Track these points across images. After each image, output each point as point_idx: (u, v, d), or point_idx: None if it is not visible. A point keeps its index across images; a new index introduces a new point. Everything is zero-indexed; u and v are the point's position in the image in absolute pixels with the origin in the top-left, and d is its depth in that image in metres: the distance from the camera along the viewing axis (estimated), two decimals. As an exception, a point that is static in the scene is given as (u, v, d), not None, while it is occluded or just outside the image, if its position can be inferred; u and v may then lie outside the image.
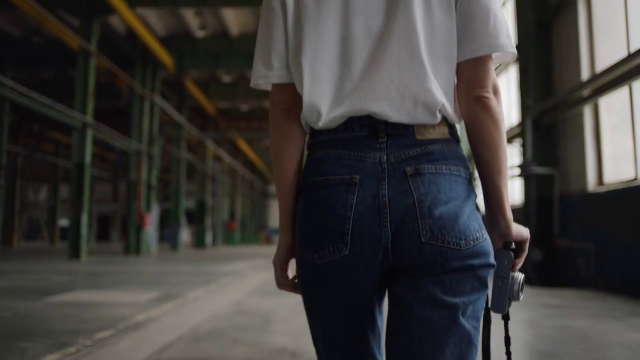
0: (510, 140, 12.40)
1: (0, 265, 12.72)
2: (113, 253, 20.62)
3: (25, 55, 21.68)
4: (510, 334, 1.22)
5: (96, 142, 19.10)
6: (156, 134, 21.11)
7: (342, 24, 1.15)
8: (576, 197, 9.24)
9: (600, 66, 8.97)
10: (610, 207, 8.17)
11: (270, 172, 48.90)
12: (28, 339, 4.17)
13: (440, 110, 1.12)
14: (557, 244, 9.65)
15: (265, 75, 1.22)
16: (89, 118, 15.72)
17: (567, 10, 9.79)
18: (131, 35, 19.46)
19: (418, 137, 1.11)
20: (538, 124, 10.24)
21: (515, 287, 1.13)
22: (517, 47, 11.00)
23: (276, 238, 51.06)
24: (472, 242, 1.07)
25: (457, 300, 1.07)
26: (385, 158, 1.10)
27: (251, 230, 47.26)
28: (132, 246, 19.47)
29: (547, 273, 9.68)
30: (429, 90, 1.10)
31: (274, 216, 56.62)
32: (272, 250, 28.31)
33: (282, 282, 1.33)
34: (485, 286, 1.11)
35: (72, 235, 15.39)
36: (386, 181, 1.09)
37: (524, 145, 10.45)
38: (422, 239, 1.06)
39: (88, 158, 15.81)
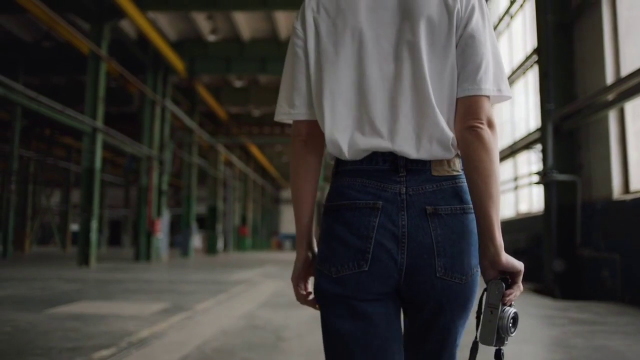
0: (528, 146, 12.07)
1: (8, 272, 12.54)
2: (123, 259, 20.42)
3: (37, 60, 21.61)
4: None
5: (107, 146, 18.94)
6: (167, 139, 20.93)
7: (358, 70, 1.29)
8: (600, 205, 8.87)
9: (626, 69, 8.61)
10: (638, 216, 7.79)
11: (282, 177, 48.84)
12: (22, 359, 3.90)
13: (452, 144, 1.26)
14: (579, 254, 9.27)
15: (288, 112, 1.37)
16: (99, 123, 15.54)
17: (589, 10, 9.44)
18: (142, 39, 19.32)
19: (434, 173, 1.26)
20: (559, 129, 9.88)
21: (505, 321, 1.14)
22: (537, 50, 10.69)
23: (287, 243, 51.08)
24: (469, 277, 1.25)
25: (451, 325, 1.27)
26: (404, 190, 1.24)
27: (263, 235, 47.01)
28: (143, 252, 19.26)
29: (569, 284, 9.30)
30: (440, 128, 1.24)
31: (286, 222, 56.36)
32: (283, 256, 28.05)
33: (302, 298, 1.44)
34: (470, 296, 1.27)
35: (81, 242, 15.19)
36: (405, 212, 1.23)
37: (544, 151, 10.10)
38: (437, 274, 1.23)
39: (98, 163, 15.63)
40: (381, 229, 1.22)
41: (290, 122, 1.39)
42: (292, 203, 1.40)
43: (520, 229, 12.60)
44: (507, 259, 1.19)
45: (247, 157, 38.49)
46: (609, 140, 8.68)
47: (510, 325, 1.14)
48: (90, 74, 15.80)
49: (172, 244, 40.89)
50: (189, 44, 21.14)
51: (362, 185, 1.26)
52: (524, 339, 4.88)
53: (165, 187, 20.76)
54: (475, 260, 1.25)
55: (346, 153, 1.28)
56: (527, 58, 12.78)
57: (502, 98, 1.31)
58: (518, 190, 13.57)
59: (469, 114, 1.24)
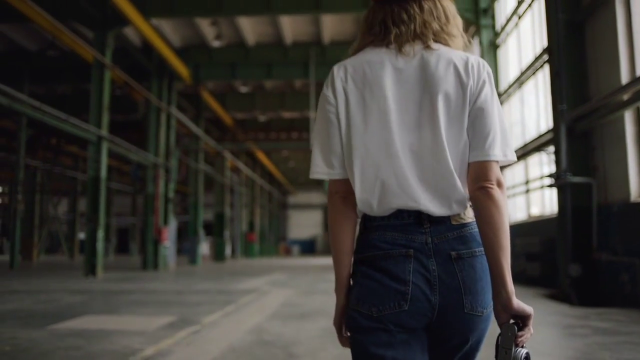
0: (540, 148, 11.83)
1: (14, 284, 12.38)
2: (131, 268, 20.26)
3: (42, 69, 21.58)
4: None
5: (114, 154, 18.83)
6: (173, 147, 20.78)
7: (385, 138, 1.43)
8: (617, 207, 8.62)
9: (641, 68, 8.39)
10: (658, 219, 7.55)
11: (289, 182, 48.66)
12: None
13: (468, 202, 1.43)
14: (596, 258, 9.02)
15: (327, 172, 1.50)
16: (104, 131, 15.41)
17: (601, 9, 9.21)
18: (147, 46, 19.22)
19: (453, 222, 1.42)
20: (572, 130, 9.64)
21: (515, 355, 1.27)
22: (548, 50, 10.46)
23: (295, 249, 50.85)
24: (488, 310, 1.40)
25: (472, 353, 1.45)
26: (430, 240, 1.40)
27: (270, 241, 46.80)
28: (150, 261, 19.10)
29: (586, 290, 9.05)
30: (458, 190, 1.41)
31: (294, 227, 56.16)
32: (292, 262, 27.84)
33: (345, 341, 1.52)
34: (484, 330, 1.43)
35: (88, 252, 15.03)
36: (433, 258, 1.39)
37: (557, 153, 9.86)
38: (465, 310, 1.37)
39: (104, 172, 15.48)
40: (416, 273, 1.37)
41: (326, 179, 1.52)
42: (332, 254, 1.52)
43: (533, 233, 12.35)
44: (518, 303, 1.33)
45: (254, 162, 38.34)
46: (625, 141, 8.44)
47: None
48: (94, 82, 15.68)
49: (180, 251, 40.77)
50: (194, 50, 21.03)
51: (393, 237, 1.41)
52: (545, 352, 4.66)
53: (171, 194, 20.60)
54: (490, 295, 1.39)
55: (376, 210, 1.44)
56: (537, 58, 12.55)
57: (507, 162, 1.45)
58: (530, 193, 13.29)
59: (481, 176, 1.40)
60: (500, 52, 15.94)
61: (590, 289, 9.08)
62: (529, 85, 13.70)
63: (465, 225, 1.43)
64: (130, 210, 43.88)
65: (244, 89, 25.12)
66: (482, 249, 1.40)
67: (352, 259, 1.49)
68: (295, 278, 15.15)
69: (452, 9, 1.56)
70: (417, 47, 1.48)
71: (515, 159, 1.43)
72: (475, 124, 1.42)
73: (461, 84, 1.42)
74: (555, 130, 10.00)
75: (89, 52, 15.87)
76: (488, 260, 1.37)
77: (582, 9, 9.75)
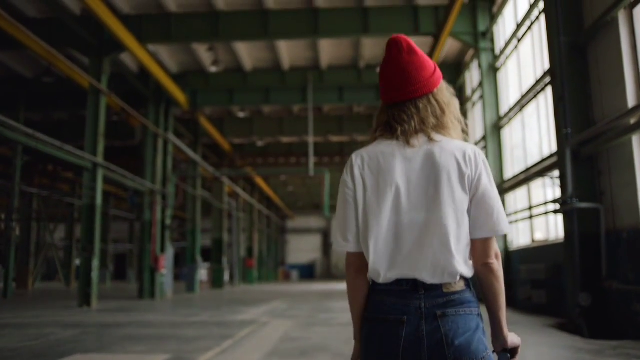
0: (543, 172, 11.61)
1: (5, 316, 12.02)
2: (127, 297, 19.86)
3: (38, 96, 21.46)
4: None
5: (111, 181, 18.58)
6: (170, 173, 20.53)
7: (395, 218, 1.70)
8: (627, 234, 8.35)
9: (648, 90, 8.19)
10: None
11: (287, 207, 48.48)
12: None
13: (460, 275, 1.68)
14: (607, 287, 8.72)
15: (344, 245, 1.78)
16: (99, 158, 15.17)
17: (604, 31, 9.05)
18: (143, 72, 19.09)
19: (445, 290, 1.67)
20: (577, 155, 9.42)
21: None
22: (551, 73, 10.29)
23: (295, 274, 50.40)
24: (474, 356, 1.62)
25: None
26: (423, 305, 1.66)
27: (269, 266, 46.33)
28: (147, 290, 18.71)
29: (597, 320, 8.74)
30: (453, 266, 1.66)
31: (292, 252, 55.75)
32: (291, 288, 27.42)
33: None
34: None
35: (82, 281, 14.68)
36: (424, 320, 1.64)
37: (562, 178, 9.62)
38: (434, 352, 1.62)
39: (99, 200, 15.21)
40: (408, 337, 1.63)
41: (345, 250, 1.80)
42: (350, 310, 1.84)
43: (538, 259, 12.05)
44: (511, 339, 1.75)
45: (252, 187, 38.09)
46: (634, 165, 8.20)
47: None
48: (90, 108, 15.49)
49: (178, 277, 40.26)
50: (191, 76, 20.90)
51: (392, 303, 1.68)
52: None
53: (168, 221, 20.29)
54: (482, 346, 1.64)
55: (382, 279, 1.70)
56: (538, 81, 12.40)
57: (503, 234, 1.72)
58: (533, 218, 12.99)
59: (484, 253, 1.70)
60: (500, 75, 15.81)
61: (601, 319, 8.77)
62: (530, 108, 13.52)
63: (455, 293, 1.67)
64: (128, 237, 43.53)
65: (241, 115, 24.97)
66: (467, 310, 1.66)
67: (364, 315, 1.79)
68: (295, 306, 14.80)
69: (446, 98, 1.82)
70: (422, 139, 1.74)
71: (510, 230, 1.86)
72: (479, 207, 1.69)
73: (461, 173, 1.68)
74: (559, 154, 9.79)
75: (84, 79, 15.70)
76: (489, 315, 1.75)
77: (584, 31, 9.59)
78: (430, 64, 1.84)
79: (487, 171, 1.71)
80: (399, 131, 1.74)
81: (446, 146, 1.71)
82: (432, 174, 1.68)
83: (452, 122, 1.80)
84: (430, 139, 1.73)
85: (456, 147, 1.71)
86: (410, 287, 1.67)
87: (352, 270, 1.79)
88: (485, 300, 1.75)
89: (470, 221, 1.69)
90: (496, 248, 1.72)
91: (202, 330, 9.30)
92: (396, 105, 1.79)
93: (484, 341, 1.66)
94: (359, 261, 1.76)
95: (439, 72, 1.85)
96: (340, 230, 1.78)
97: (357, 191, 1.74)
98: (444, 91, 1.84)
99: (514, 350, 1.77)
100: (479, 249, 1.70)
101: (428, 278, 1.65)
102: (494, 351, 1.74)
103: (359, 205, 1.73)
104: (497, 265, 1.71)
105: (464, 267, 1.68)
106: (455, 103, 1.85)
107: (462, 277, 1.68)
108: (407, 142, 1.73)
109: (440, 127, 1.76)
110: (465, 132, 1.84)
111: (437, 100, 1.79)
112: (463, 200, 1.67)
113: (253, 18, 16.16)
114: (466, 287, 1.69)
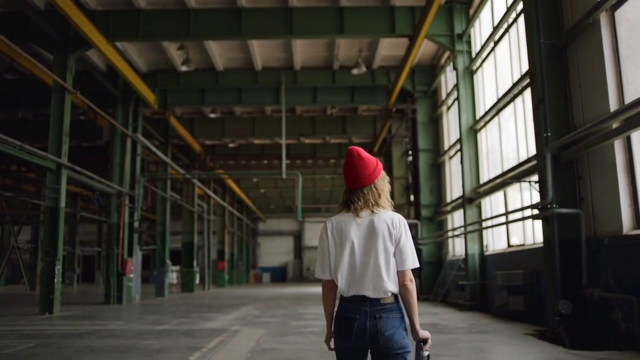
0: (521, 177, 11.42)
1: (-40, 325, 11.36)
2: (93, 302, 19.19)
3: (0, 94, 20.64)
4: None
5: (78, 182, 17.94)
6: (139, 174, 19.92)
7: (351, 260, 2.84)
8: (608, 240, 8.16)
9: (630, 94, 8.01)
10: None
11: (259, 210, 47.94)
12: None
13: (390, 292, 2.78)
14: (587, 294, 8.52)
15: (322, 275, 2.93)
16: (63, 159, 14.55)
17: (585, 33, 8.87)
18: (111, 71, 18.47)
19: (381, 302, 2.77)
20: (557, 159, 9.22)
21: (422, 357, 2.76)
22: (530, 76, 10.09)
23: (266, 276, 49.94)
24: (399, 345, 2.73)
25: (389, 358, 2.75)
26: (368, 310, 2.76)
27: (241, 269, 45.70)
28: (114, 295, 18.08)
29: (577, 328, 8.54)
30: (385, 287, 2.77)
31: (264, 255, 55.20)
32: (263, 292, 26.92)
33: (330, 348, 2.98)
34: (403, 355, 2.73)
35: (44, 287, 14.04)
36: (368, 319, 2.74)
37: (542, 183, 9.43)
38: (380, 343, 2.73)
39: (63, 202, 14.59)
40: (358, 327, 2.75)
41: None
42: (324, 310, 3.00)
43: (515, 265, 11.85)
44: (423, 334, 2.80)
45: (223, 189, 37.50)
46: (616, 170, 8.01)
47: (427, 358, 2.77)
48: (54, 106, 14.84)
49: (147, 280, 39.38)
50: (161, 75, 20.36)
51: (350, 308, 2.81)
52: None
53: (137, 224, 19.67)
54: (403, 341, 2.75)
55: (346, 295, 2.84)
56: (515, 84, 12.23)
57: (414, 267, 2.82)
58: (510, 223, 12.78)
59: (402, 279, 2.80)
60: (477, 78, 15.65)
61: (581, 327, 8.58)
62: (507, 112, 13.35)
63: (388, 303, 2.78)
64: (97, 238, 42.54)
65: (213, 115, 24.45)
66: (394, 314, 2.77)
67: (334, 313, 2.91)
68: (267, 312, 14.38)
69: (381, 186, 2.92)
70: (367, 212, 2.86)
71: (418, 265, 2.83)
72: (399, 253, 2.81)
73: (390, 233, 2.81)
74: (539, 158, 9.59)
75: (49, 76, 15.09)
76: (408, 317, 2.81)
77: (564, 33, 9.41)
78: (373, 164, 2.91)
79: (405, 230, 2.83)
80: (351, 208, 2.89)
81: (382, 216, 2.84)
82: (372, 234, 2.81)
83: (385, 201, 2.91)
84: (372, 212, 2.85)
85: (387, 217, 2.84)
86: (361, 299, 2.78)
87: (327, 289, 2.95)
88: (405, 307, 2.82)
89: (395, 260, 2.81)
90: (410, 275, 2.80)
91: (168, 340, 8.84)
92: (351, 190, 2.92)
93: (404, 334, 2.76)
94: (330, 284, 2.91)
95: (379, 167, 2.93)
96: (320, 266, 2.93)
97: (330, 244, 2.90)
98: (382, 181, 2.94)
99: (425, 341, 2.79)
100: (399, 276, 2.80)
101: (370, 294, 2.77)
102: (415, 339, 2.83)
103: (330, 252, 2.89)
104: (411, 286, 2.79)
105: (393, 287, 2.78)
106: (387, 188, 2.96)
107: (392, 294, 2.79)
108: (357, 215, 2.86)
109: (377, 205, 2.87)
110: (392, 206, 2.95)
111: (376, 188, 2.90)
112: (390, 249, 2.80)
113: (226, 16, 15.73)
114: (395, 301, 2.80)
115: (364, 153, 2.92)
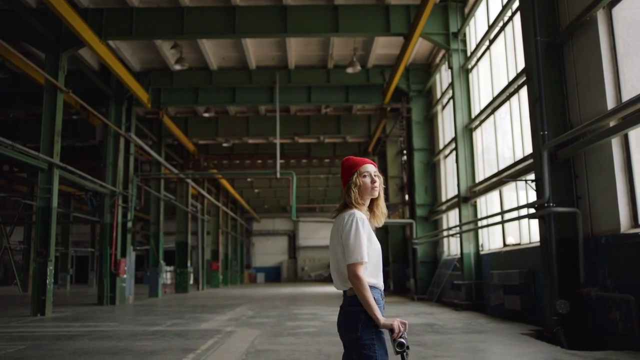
0: (517, 176, 11.36)
1: (-50, 327, 11.21)
2: (86, 303, 19.04)
3: (-9, 93, 20.45)
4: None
5: (71, 182, 17.78)
6: (132, 174, 19.78)
7: (330, 255, 3.05)
8: (606, 239, 8.09)
9: (627, 92, 7.95)
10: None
11: (253, 209, 47.78)
12: None
13: (349, 286, 2.84)
14: (585, 294, 8.46)
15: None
16: (55, 158, 14.40)
17: (581, 31, 8.81)
18: (104, 69, 18.31)
19: (347, 294, 2.88)
20: (554, 158, 9.15)
21: (395, 344, 2.66)
22: (527, 74, 10.02)
23: (261, 276, 49.77)
24: (353, 337, 2.78)
25: (352, 344, 2.81)
26: (342, 303, 2.93)
27: (235, 269, 45.55)
28: (107, 295, 17.95)
29: (574, 328, 8.48)
30: (343, 281, 2.89)
31: (258, 255, 55.06)
32: (258, 292, 26.80)
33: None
34: (363, 346, 2.74)
35: (36, 288, 13.88)
36: (341, 310, 2.91)
37: (539, 181, 9.35)
38: (344, 336, 2.87)
39: (55, 202, 14.44)
40: (337, 321, 2.94)
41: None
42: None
43: (511, 264, 11.79)
44: (384, 323, 2.72)
45: (217, 189, 37.35)
46: (613, 169, 7.95)
47: (397, 346, 2.66)
48: (46, 105, 14.68)
49: (141, 280, 39.21)
50: (154, 74, 20.20)
51: None
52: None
53: (130, 225, 19.53)
54: (355, 334, 2.78)
55: None
56: (511, 83, 12.16)
57: (355, 262, 2.80)
58: (506, 222, 12.71)
59: (349, 274, 2.79)
60: (472, 77, 15.59)
61: (578, 327, 8.52)
62: (503, 110, 13.29)
63: (351, 296, 2.83)
64: (90, 239, 42.32)
65: (206, 114, 24.31)
66: (352, 307, 2.81)
67: None
68: (261, 313, 14.27)
69: (349, 189, 3.01)
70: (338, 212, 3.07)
71: (362, 259, 2.77)
72: (344, 249, 2.84)
73: (341, 230, 2.89)
74: (535, 157, 9.52)
75: (41, 75, 14.93)
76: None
77: (561, 31, 9.35)
78: (347, 169, 3.02)
79: (351, 227, 2.83)
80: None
81: (341, 215, 2.96)
82: (334, 233, 2.97)
83: (353, 201, 2.95)
84: (339, 213, 3.01)
85: (344, 215, 2.91)
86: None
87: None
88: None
89: None
90: (354, 271, 2.75)
91: (162, 341, 8.73)
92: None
93: (359, 326, 2.75)
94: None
95: (352, 171, 2.99)
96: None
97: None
98: (351, 183, 2.98)
99: (391, 331, 2.69)
100: (347, 271, 2.80)
101: (338, 288, 2.94)
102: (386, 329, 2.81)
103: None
104: (355, 281, 2.75)
105: (349, 282, 2.84)
106: (357, 189, 2.97)
107: (351, 288, 2.82)
108: (333, 216, 3.05)
109: (345, 205, 2.99)
110: (362, 205, 2.98)
111: (346, 190, 3.00)
112: (339, 247, 2.88)
113: (220, 14, 15.61)
114: (354, 295, 2.79)
115: (346, 161, 3.05)
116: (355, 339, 2.74)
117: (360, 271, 2.73)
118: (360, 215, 2.86)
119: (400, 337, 2.65)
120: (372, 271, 2.85)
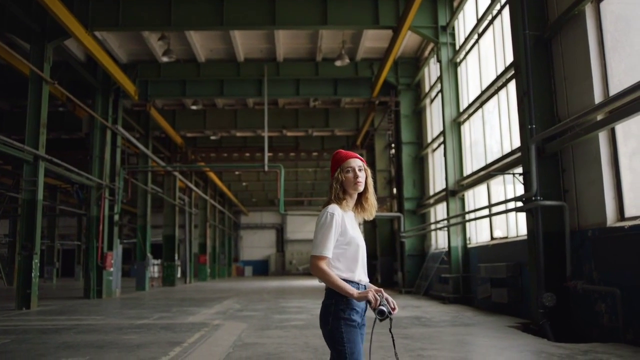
0: (505, 169, 11.39)
1: None
2: (72, 297, 18.91)
3: (-25, 84, 20.18)
4: None
5: (57, 175, 17.61)
6: (119, 167, 19.63)
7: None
8: (592, 233, 8.14)
9: (614, 86, 7.98)
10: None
11: (241, 203, 47.68)
12: None
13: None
14: (571, 287, 8.51)
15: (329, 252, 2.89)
16: (41, 150, 14.24)
17: (569, 25, 8.83)
18: (91, 61, 18.13)
19: (325, 288, 2.95)
20: (541, 151, 9.18)
21: (376, 312, 2.70)
22: (515, 67, 10.04)
23: (249, 270, 49.73)
24: (325, 328, 2.84)
25: (326, 337, 2.87)
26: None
27: (223, 263, 45.47)
28: (93, 289, 17.83)
29: (560, 321, 8.53)
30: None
31: (246, 248, 54.98)
32: (246, 285, 26.77)
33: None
34: (333, 340, 2.82)
35: (21, 282, 13.74)
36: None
37: (526, 175, 9.39)
38: (321, 325, 2.88)
39: (40, 194, 14.29)
40: None
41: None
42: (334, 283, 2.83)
43: (498, 257, 11.84)
44: (358, 295, 2.75)
45: (205, 182, 37.21)
46: (600, 162, 7.99)
47: (377, 314, 2.70)
48: (31, 97, 14.50)
49: (128, 274, 39.04)
50: (142, 66, 20.02)
51: None
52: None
53: (117, 218, 19.39)
54: (325, 327, 2.85)
55: None
56: (499, 76, 12.18)
57: (316, 254, 2.86)
58: (493, 215, 12.75)
59: (310, 265, 2.86)
60: (460, 70, 15.59)
61: (564, 320, 8.58)
62: (491, 104, 13.31)
63: (327, 289, 2.87)
64: (77, 232, 42.01)
65: (194, 107, 24.14)
66: (325, 300, 2.88)
67: None
68: (249, 306, 14.24)
69: (331, 185, 3.06)
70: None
71: (324, 253, 2.82)
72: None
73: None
74: (523, 151, 9.55)
75: (26, 66, 14.74)
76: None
77: (549, 25, 9.36)
78: (332, 166, 3.06)
79: (322, 220, 2.87)
80: None
81: (321, 212, 2.97)
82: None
83: (333, 197, 2.99)
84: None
85: (323, 211, 2.95)
86: None
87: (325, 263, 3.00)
88: None
89: None
90: (315, 262, 2.81)
91: (148, 335, 8.67)
92: None
93: (329, 319, 2.81)
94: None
95: (334, 168, 3.03)
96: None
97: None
98: (334, 180, 3.02)
99: (369, 302, 2.74)
100: (310, 263, 2.86)
101: (319, 281, 2.94)
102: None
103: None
104: (316, 272, 2.81)
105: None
106: (338, 185, 3.00)
107: None
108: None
109: (328, 201, 3.02)
110: (340, 200, 2.99)
111: (330, 186, 3.05)
112: None
113: (208, 6, 15.49)
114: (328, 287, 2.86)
115: (335, 155, 3.08)
116: (327, 332, 2.81)
117: (321, 264, 2.79)
118: (335, 211, 2.88)
119: (380, 305, 2.69)
120: (347, 265, 2.87)
